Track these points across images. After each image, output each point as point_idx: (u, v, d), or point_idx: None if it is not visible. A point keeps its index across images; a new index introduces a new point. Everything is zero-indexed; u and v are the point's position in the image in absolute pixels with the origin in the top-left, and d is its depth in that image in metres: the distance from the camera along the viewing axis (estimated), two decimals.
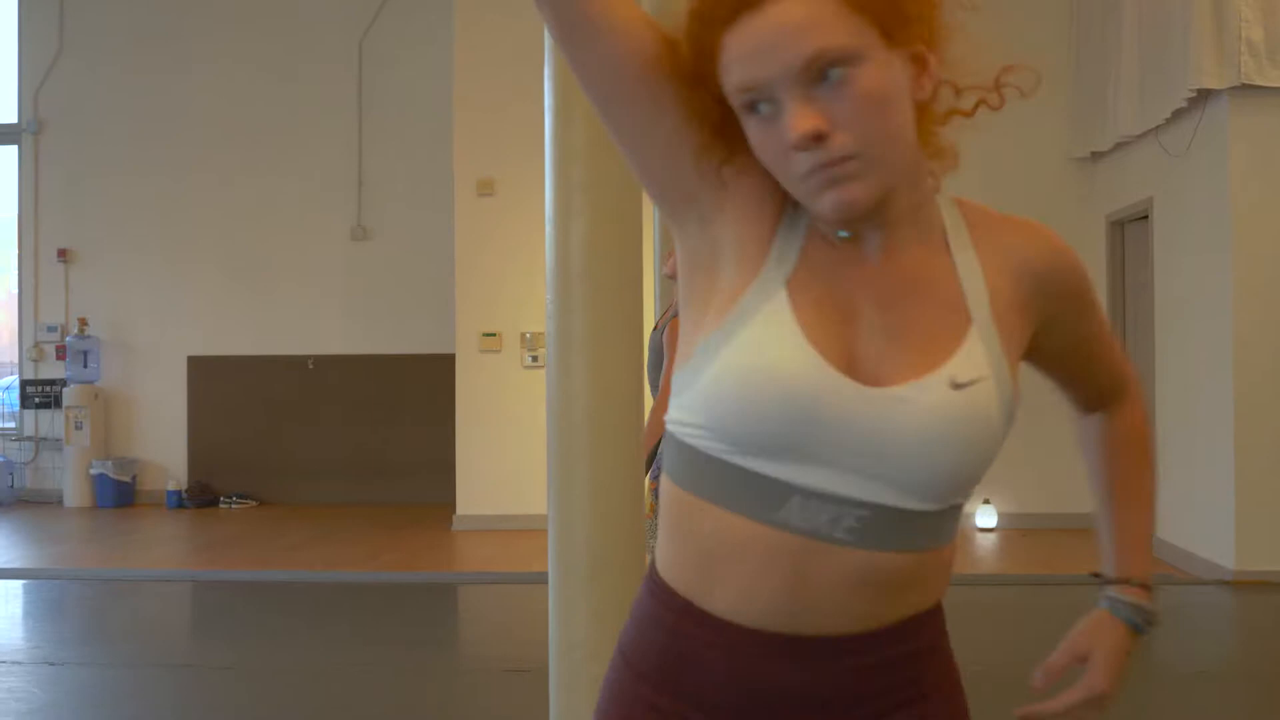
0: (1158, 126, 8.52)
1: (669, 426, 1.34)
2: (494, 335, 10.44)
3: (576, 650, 3.18)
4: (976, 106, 1.34)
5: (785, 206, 1.30)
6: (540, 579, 8.14)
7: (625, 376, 3.22)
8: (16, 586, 8.38)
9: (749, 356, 1.23)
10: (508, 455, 10.37)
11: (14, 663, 6.23)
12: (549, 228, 3.18)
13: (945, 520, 1.31)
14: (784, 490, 1.24)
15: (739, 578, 1.28)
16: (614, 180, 3.14)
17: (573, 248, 3.13)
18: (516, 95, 10.42)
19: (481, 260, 10.44)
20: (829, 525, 1.24)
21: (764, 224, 1.29)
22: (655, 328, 5.59)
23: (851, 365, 1.24)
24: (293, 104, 11.98)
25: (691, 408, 1.28)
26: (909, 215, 1.28)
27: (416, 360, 11.76)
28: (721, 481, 1.27)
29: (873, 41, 1.19)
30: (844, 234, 1.28)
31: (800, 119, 1.17)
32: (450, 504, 10.59)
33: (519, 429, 10.40)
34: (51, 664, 6.16)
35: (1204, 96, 7.81)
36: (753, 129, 1.24)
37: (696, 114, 1.28)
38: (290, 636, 6.82)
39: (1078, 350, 1.48)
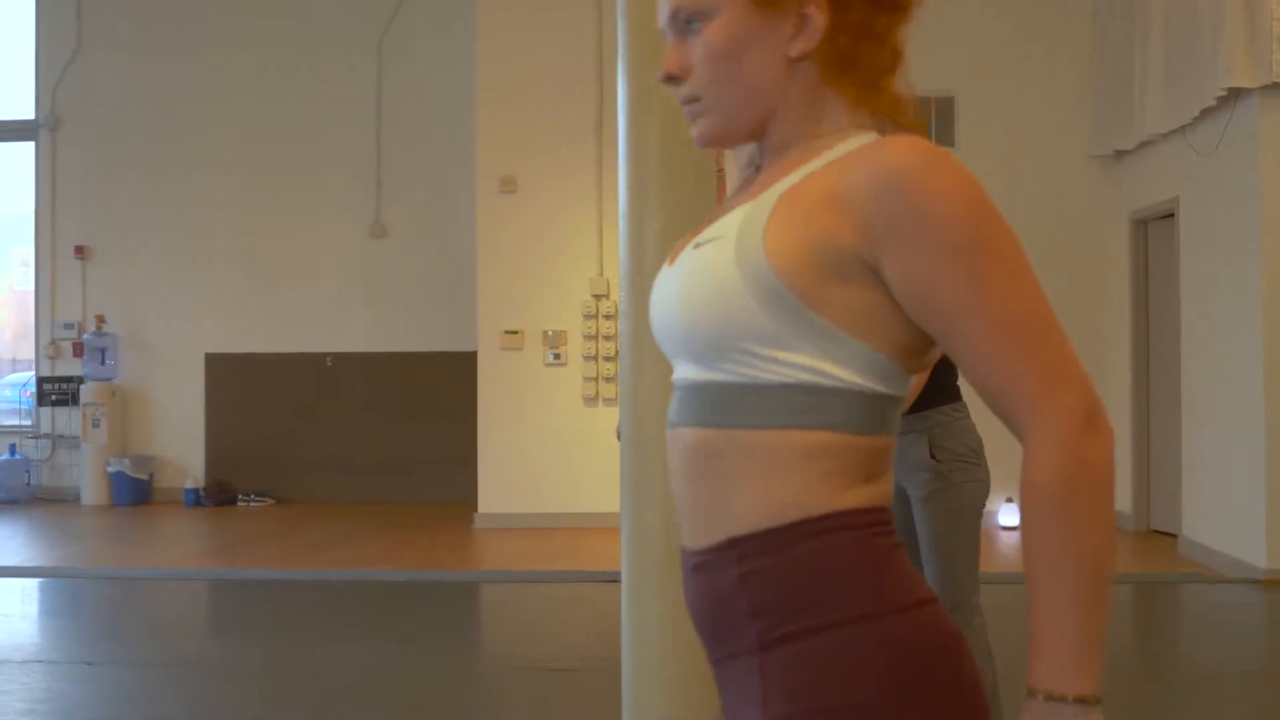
0: (1185, 125, 8.51)
1: None
2: (516, 333, 10.43)
3: (649, 648, 3.17)
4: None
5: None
6: (563, 577, 8.19)
7: None
8: (39, 585, 8.37)
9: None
10: (529, 453, 10.37)
11: (48, 661, 6.22)
12: (623, 225, 3.17)
13: (740, 395, 1.28)
14: (672, 390, 1.40)
15: (669, 473, 1.42)
16: (688, 178, 3.14)
17: (647, 246, 3.12)
18: (539, 92, 10.42)
19: (503, 258, 10.43)
20: (674, 412, 1.37)
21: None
22: None
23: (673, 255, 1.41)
24: (311, 101, 11.96)
25: None
26: (796, 147, 1.36)
27: (436, 358, 11.75)
28: None
29: (734, 1, 1.32)
30: (750, 170, 1.44)
31: (668, 60, 1.35)
32: (471, 502, 10.58)
33: (540, 427, 10.39)
34: (89, 663, 6.16)
35: (1234, 95, 7.80)
36: None
37: None
38: (310, 634, 6.81)
39: (922, 314, 1.26)
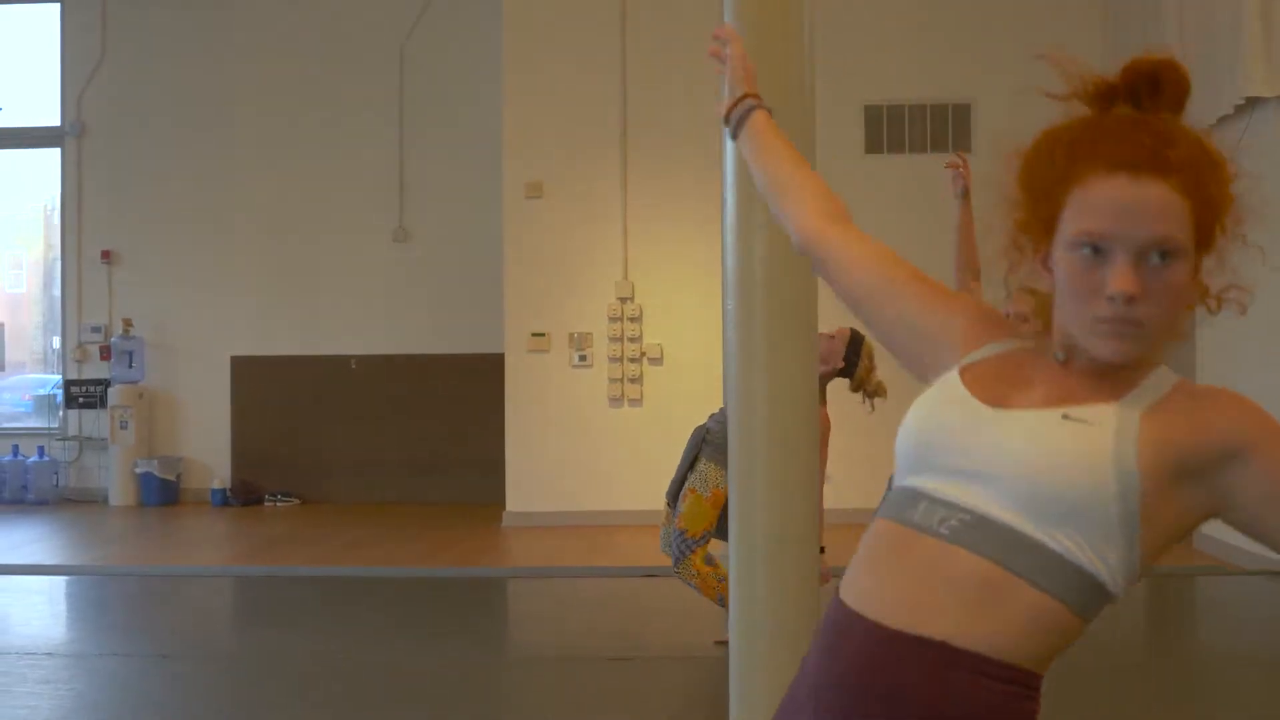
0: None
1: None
2: (543, 335, 10.64)
3: (758, 633, 3.38)
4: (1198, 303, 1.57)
5: (998, 337, 1.63)
6: (592, 573, 8.40)
7: (801, 381, 3.43)
8: (88, 582, 8.56)
9: (917, 408, 1.59)
10: (556, 453, 10.58)
11: (123, 655, 6.41)
12: (730, 238, 3.38)
13: (1040, 555, 1.46)
14: (918, 496, 1.52)
15: (866, 564, 1.55)
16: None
17: (755, 259, 3.33)
18: (564, 98, 10.65)
19: (530, 262, 10.65)
20: (938, 524, 1.49)
21: (970, 344, 1.63)
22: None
23: (987, 396, 1.53)
24: (334, 107, 12.15)
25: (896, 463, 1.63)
26: (1113, 367, 1.52)
27: (459, 359, 11.95)
28: (889, 500, 1.57)
29: (1190, 245, 1.45)
30: (1060, 355, 1.55)
31: (1125, 279, 1.43)
32: (499, 502, 10.79)
33: (567, 427, 10.61)
34: (164, 656, 6.35)
35: (1251, 104, 8.04)
36: (1070, 260, 1.49)
37: (938, 306, 1.69)
38: (348, 628, 7.01)
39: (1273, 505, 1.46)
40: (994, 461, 1.48)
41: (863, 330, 5.52)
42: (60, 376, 12.80)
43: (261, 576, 8.59)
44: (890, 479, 1.63)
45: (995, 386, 1.54)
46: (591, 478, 10.56)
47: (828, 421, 6.07)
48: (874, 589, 1.51)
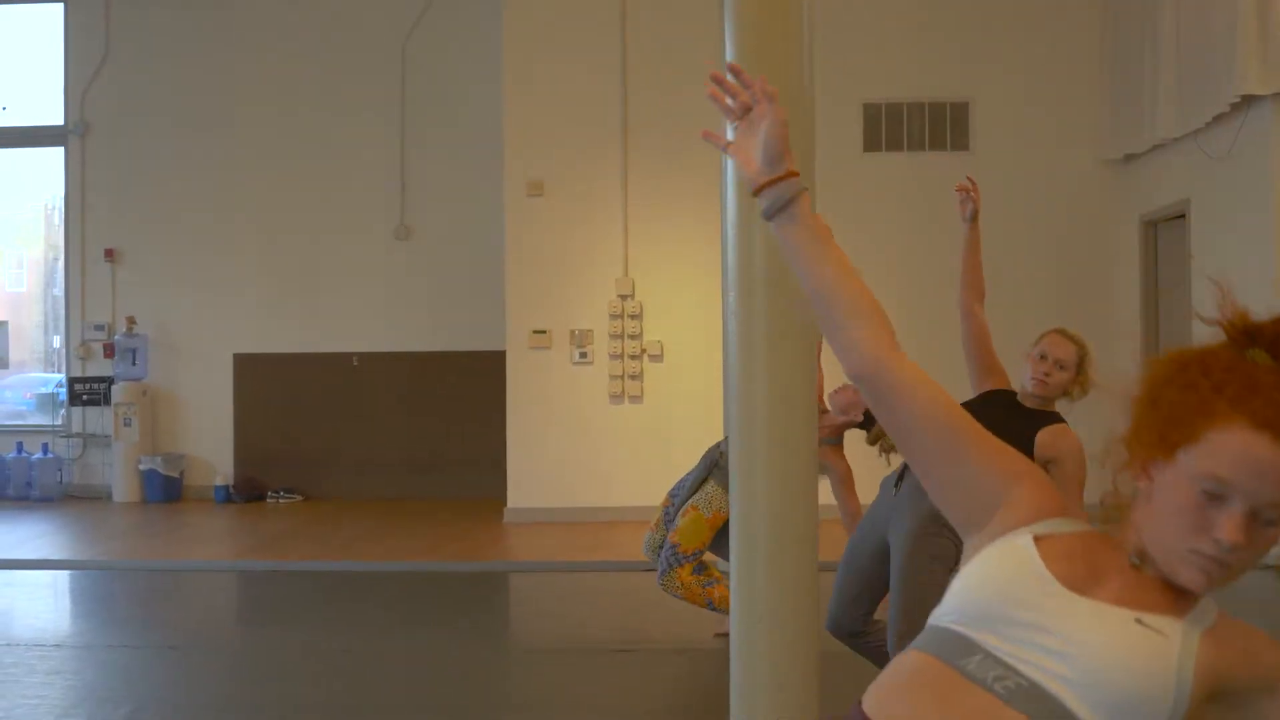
0: (1197, 130, 8.82)
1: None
2: (544, 333, 10.72)
3: (758, 626, 3.45)
4: None
5: (1057, 512, 1.66)
6: (593, 567, 8.47)
7: (801, 379, 3.50)
8: (96, 576, 8.63)
9: (988, 564, 1.63)
10: (557, 450, 10.65)
11: (133, 646, 6.48)
12: (731, 232, 3.44)
13: None
14: (975, 648, 1.57)
15: (904, 692, 1.60)
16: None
17: (755, 253, 3.39)
18: (564, 97, 10.72)
19: (531, 260, 10.72)
20: (993, 680, 1.54)
21: (1034, 513, 1.66)
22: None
23: (1066, 578, 1.58)
24: (336, 105, 12.22)
25: (947, 603, 1.67)
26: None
27: (459, 357, 12.02)
28: (938, 639, 1.62)
29: None
30: (1136, 561, 1.62)
31: (1237, 531, 1.50)
32: (500, 498, 10.86)
33: (568, 424, 10.68)
34: (173, 648, 6.42)
35: (1246, 102, 8.12)
36: (1188, 492, 1.54)
37: (993, 465, 1.69)
38: (351, 622, 7.09)
39: None
40: (1065, 644, 1.55)
41: None
42: (62, 375, 12.87)
43: (265, 572, 8.66)
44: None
45: (1073, 569, 1.59)
46: (592, 474, 10.64)
47: (848, 468, 6.17)
48: (907, 717, 1.57)
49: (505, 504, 10.73)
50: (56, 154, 12.72)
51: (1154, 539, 1.57)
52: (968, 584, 1.63)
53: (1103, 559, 1.61)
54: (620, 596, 7.70)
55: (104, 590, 8.34)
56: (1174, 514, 1.54)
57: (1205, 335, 1.67)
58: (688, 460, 6.89)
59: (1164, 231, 10.00)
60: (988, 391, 4.34)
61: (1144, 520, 1.58)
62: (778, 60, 3.55)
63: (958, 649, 1.58)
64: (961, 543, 1.74)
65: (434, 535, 9.95)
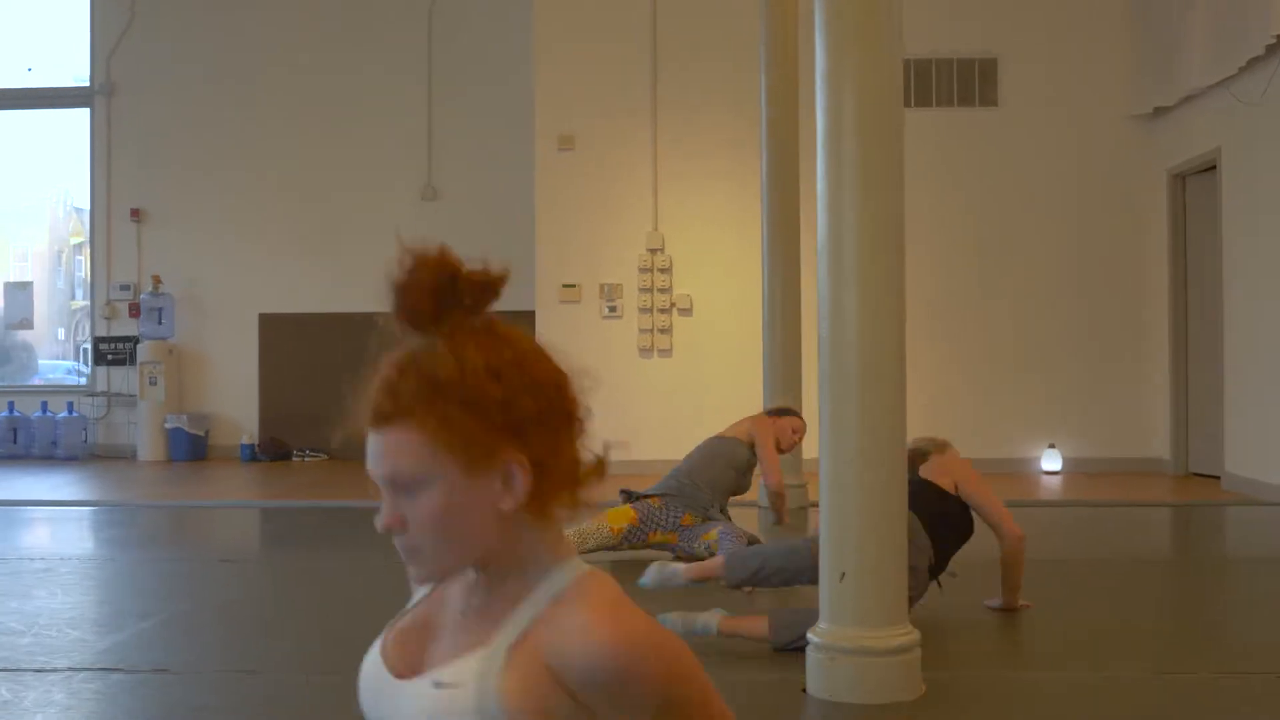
0: (1229, 77, 8.87)
1: None
2: (574, 286, 10.76)
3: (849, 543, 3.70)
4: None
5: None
6: None
7: (891, 337, 3.76)
8: (120, 509, 8.66)
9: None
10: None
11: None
12: (821, 201, 3.62)
13: None
14: None
15: None
16: (877, 156, 3.57)
17: (845, 222, 3.55)
18: (595, 52, 10.76)
19: (561, 214, 10.77)
20: None
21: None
22: None
23: (399, 662, 1.46)
24: (362, 65, 12.26)
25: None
26: (511, 577, 1.45)
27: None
28: None
29: (446, 472, 1.38)
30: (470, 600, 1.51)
31: (383, 514, 1.42)
32: None
33: (597, 377, 10.68)
34: (227, 560, 6.45)
35: None
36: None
37: None
38: (376, 548, 7.11)
39: None
40: None
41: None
42: (84, 337, 12.90)
43: (300, 509, 8.69)
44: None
45: (403, 651, 1.49)
46: (620, 427, 10.53)
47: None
48: None
49: None
50: (83, 115, 12.75)
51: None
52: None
53: (440, 619, 1.50)
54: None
55: (147, 521, 8.36)
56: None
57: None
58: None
59: (1193, 184, 10.05)
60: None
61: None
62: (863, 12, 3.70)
63: None
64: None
65: None
